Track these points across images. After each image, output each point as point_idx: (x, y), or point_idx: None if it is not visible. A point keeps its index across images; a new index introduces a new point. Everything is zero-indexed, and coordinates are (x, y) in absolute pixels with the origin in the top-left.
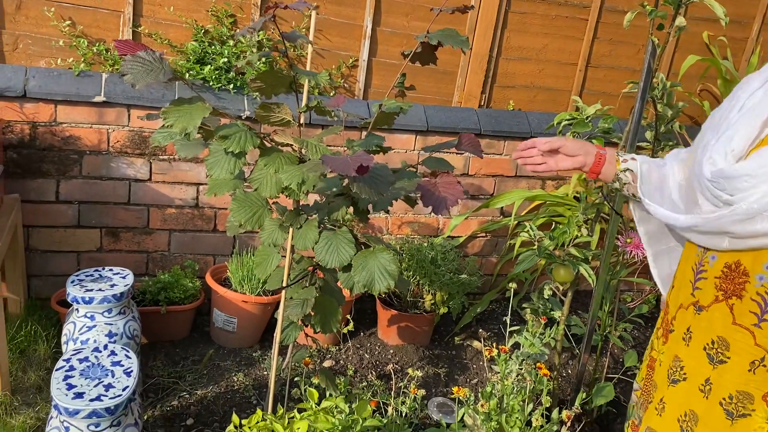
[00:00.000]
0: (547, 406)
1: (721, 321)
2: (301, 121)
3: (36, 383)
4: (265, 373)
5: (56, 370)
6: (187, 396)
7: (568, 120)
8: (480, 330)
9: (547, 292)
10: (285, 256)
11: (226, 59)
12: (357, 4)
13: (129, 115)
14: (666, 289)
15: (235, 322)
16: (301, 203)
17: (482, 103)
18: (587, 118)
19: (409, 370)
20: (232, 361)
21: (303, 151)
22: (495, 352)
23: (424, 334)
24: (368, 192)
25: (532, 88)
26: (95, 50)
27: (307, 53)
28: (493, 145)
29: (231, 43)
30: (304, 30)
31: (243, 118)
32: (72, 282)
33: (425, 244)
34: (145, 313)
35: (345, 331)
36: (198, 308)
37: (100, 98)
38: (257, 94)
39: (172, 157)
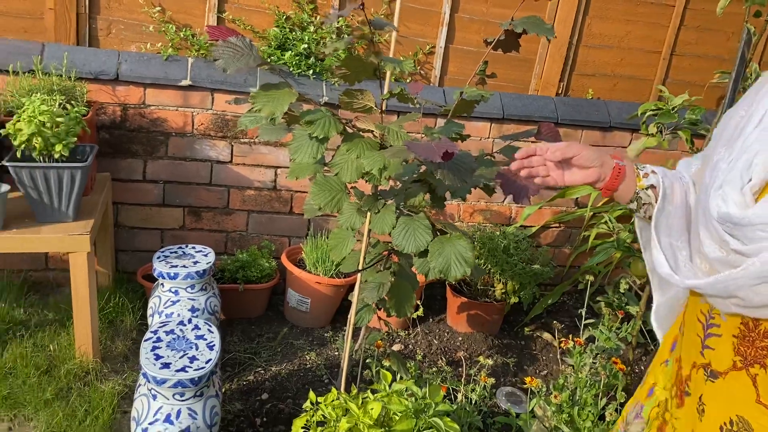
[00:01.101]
0: (621, 401)
1: (742, 396)
2: (384, 107)
3: (123, 352)
4: (336, 353)
5: (145, 340)
6: (262, 372)
7: (653, 110)
8: (553, 321)
9: (623, 286)
10: (360, 240)
11: (306, 45)
12: None
13: (213, 99)
14: (661, 332)
15: (308, 302)
16: (379, 188)
17: (560, 91)
18: (673, 108)
19: (480, 358)
20: (305, 340)
21: (384, 137)
22: (570, 344)
23: (494, 323)
24: (451, 179)
25: (613, 77)
26: (182, 35)
27: (386, 40)
28: (570, 134)
29: (311, 29)
30: (382, 16)
31: (321, 103)
32: (158, 258)
33: (497, 233)
34: (223, 291)
35: (414, 316)
36: (273, 287)
37: (186, 82)
38: (335, 80)
39: (252, 140)
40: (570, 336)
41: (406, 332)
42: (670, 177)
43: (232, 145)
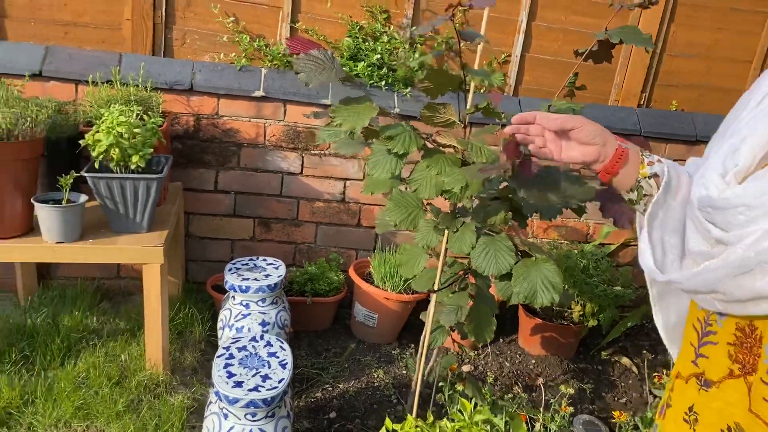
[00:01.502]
0: None
1: (738, 403)
2: (466, 122)
3: (191, 364)
4: (404, 372)
5: (217, 357)
6: (329, 388)
7: None
8: (632, 345)
9: None
10: (431, 256)
11: (379, 56)
12: None
13: (285, 110)
14: (675, 347)
15: (375, 317)
16: (458, 206)
17: (641, 103)
18: None
19: (561, 387)
20: (372, 356)
21: (466, 152)
22: (664, 378)
23: (569, 346)
24: (536, 197)
25: (699, 87)
26: (255, 46)
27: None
28: (654, 148)
29: (384, 39)
30: (458, 25)
31: (393, 114)
32: (229, 270)
33: (575, 252)
34: (291, 303)
35: None
36: (341, 301)
37: (260, 93)
38: (406, 90)
39: (322, 152)
40: (647, 359)
41: (476, 353)
42: (677, 169)
43: (303, 157)
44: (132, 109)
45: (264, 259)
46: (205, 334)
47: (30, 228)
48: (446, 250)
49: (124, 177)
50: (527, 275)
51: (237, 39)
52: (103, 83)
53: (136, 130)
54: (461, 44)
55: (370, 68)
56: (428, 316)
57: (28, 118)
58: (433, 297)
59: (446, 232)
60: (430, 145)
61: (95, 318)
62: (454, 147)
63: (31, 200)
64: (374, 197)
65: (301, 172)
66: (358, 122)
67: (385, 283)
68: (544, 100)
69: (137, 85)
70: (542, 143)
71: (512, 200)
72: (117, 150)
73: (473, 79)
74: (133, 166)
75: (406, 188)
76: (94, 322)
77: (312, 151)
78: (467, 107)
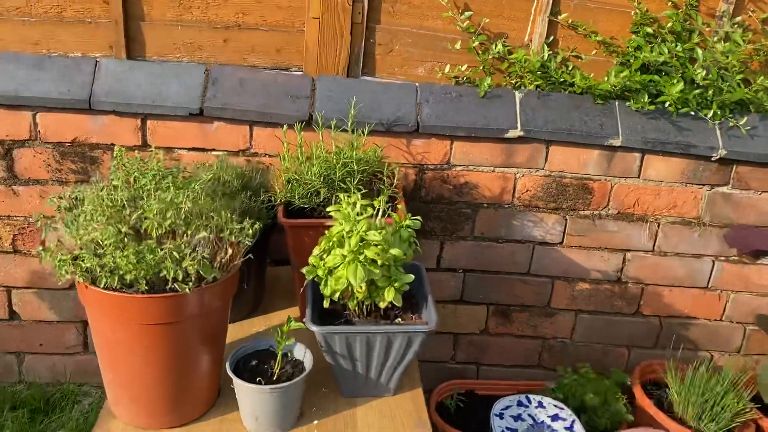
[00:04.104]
0: None
1: None
2: None
3: None
4: None
5: None
6: None
7: None
8: None
9: None
10: None
11: (703, 71)
12: None
13: (547, 154)
14: None
15: None
16: None
17: None
18: None
19: None
20: None
21: None
22: None
23: None
24: None
25: None
26: (495, 53)
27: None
28: None
29: (695, 37)
30: None
31: (713, 158)
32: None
33: None
34: None
35: None
36: None
37: (516, 132)
38: (733, 122)
39: (597, 211)
40: None
41: None
42: None
43: (566, 220)
44: (378, 203)
45: (540, 403)
46: None
47: (215, 399)
48: None
49: (375, 330)
50: None
51: (474, 43)
52: (300, 125)
53: (391, 252)
54: None
55: (681, 90)
56: None
57: (227, 246)
58: None
59: None
60: None
61: None
62: None
63: (227, 368)
64: (664, 275)
65: (562, 242)
66: None
67: (688, 412)
68: None
69: (345, 130)
70: None
71: None
72: (363, 286)
73: None
74: (382, 304)
75: None
76: None
77: (581, 212)
78: None
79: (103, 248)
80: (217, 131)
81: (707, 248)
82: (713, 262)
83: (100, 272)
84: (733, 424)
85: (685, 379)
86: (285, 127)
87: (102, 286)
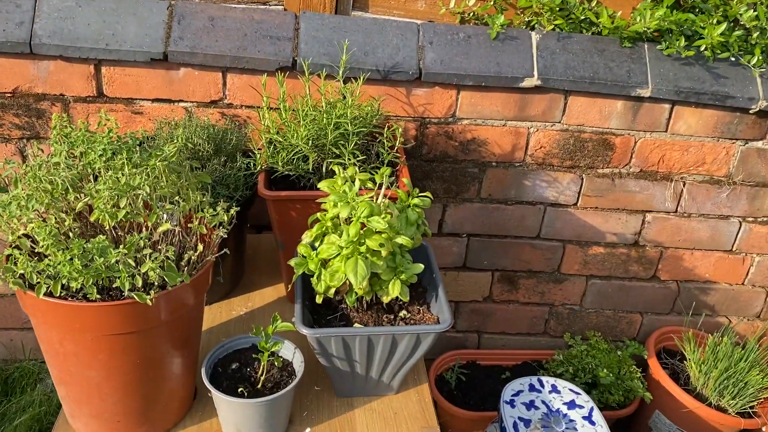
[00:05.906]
0: None
1: None
2: None
3: None
4: None
5: None
6: None
7: None
8: None
9: None
10: None
11: (752, 11)
12: None
13: (565, 106)
14: None
15: None
16: None
17: None
18: None
19: None
20: None
21: None
22: None
23: None
24: None
25: None
26: None
27: None
28: None
29: None
30: None
31: (752, 111)
32: (509, 403)
33: None
34: None
35: None
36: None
37: (532, 81)
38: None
39: (618, 169)
40: None
41: None
42: None
43: (582, 179)
44: (380, 177)
45: (554, 387)
46: None
47: (190, 404)
48: None
49: (378, 332)
50: None
51: None
52: (279, 72)
53: (397, 240)
54: None
55: (721, 33)
56: None
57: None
58: None
59: None
60: None
61: None
62: None
63: (203, 376)
64: (688, 238)
65: (576, 203)
66: None
67: (708, 387)
68: None
69: (333, 77)
70: None
71: None
72: (365, 282)
73: None
74: (386, 299)
75: None
76: None
77: (600, 170)
78: None
79: (41, 246)
80: (185, 79)
81: (735, 209)
82: (740, 223)
83: (37, 279)
84: (755, 401)
85: (706, 351)
86: (265, 75)
87: (41, 294)
